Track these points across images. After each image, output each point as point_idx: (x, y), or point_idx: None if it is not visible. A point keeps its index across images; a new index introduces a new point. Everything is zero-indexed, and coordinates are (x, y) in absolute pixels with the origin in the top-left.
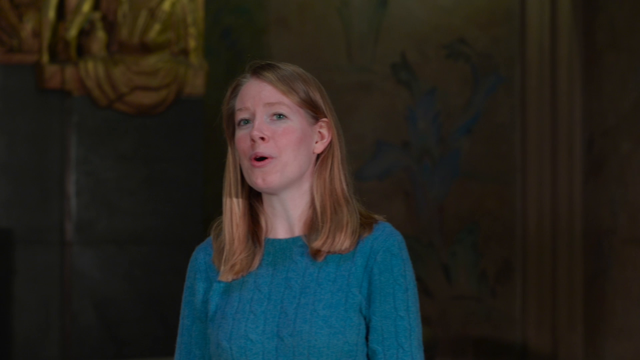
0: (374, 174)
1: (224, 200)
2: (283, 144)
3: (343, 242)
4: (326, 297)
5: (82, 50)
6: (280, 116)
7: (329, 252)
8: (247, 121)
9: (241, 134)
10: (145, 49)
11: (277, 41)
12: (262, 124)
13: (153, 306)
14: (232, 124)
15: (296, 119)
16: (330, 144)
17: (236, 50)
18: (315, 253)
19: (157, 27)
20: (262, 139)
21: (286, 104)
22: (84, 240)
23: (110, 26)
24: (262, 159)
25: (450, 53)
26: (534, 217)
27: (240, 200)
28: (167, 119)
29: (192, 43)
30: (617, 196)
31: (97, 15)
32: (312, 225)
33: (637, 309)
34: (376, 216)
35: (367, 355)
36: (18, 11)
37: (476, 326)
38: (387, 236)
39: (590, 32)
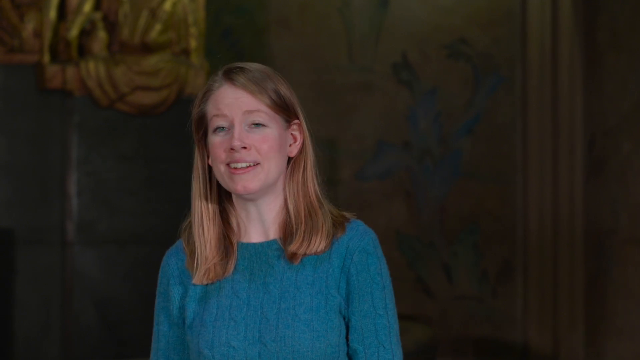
0: (374, 174)
1: (192, 203)
2: (264, 151)
3: (319, 244)
4: (306, 301)
5: (83, 50)
6: (258, 125)
7: (304, 254)
8: (223, 128)
9: (217, 140)
10: (146, 49)
11: (278, 41)
12: (242, 133)
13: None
14: (202, 127)
15: (273, 126)
16: (303, 145)
17: (237, 50)
18: (292, 256)
19: (158, 27)
20: (244, 147)
21: (264, 111)
22: (85, 241)
23: (112, 26)
24: (242, 166)
25: (451, 53)
26: (535, 217)
27: (210, 202)
28: (168, 119)
29: (193, 43)
30: (618, 196)
31: (98, 15)
32: (287, 228)
33: (638, 309)
34: (347, 214)
35: (348, 354)
36: (19, 11)
37: (477, 326)
38: (361, 235)
39: (591, 33)
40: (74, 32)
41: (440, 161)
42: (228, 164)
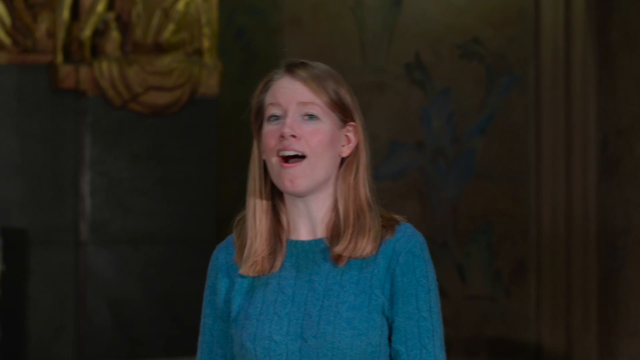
0: (388, 174)
1: (248, 194)
2: (313, 144)
3: (365, 247)
4: (349, 299)
5: (96, 51)
6: (311, 117)
7: (350, 257)
8: (277, 117)
9: (269, 129)
10: (160, 49)
11: (291, 41)
12: (294, 122)
13: (167, 306)
14: (260, 118)
15: (327, 121)
16: (357, 148)
17: (250, 50)
18: (337, 258)
19: (171, 27)
20: (293, 136)
21: (318, 104)
22: (98, 240)
23: (125, 26)
24: (292, 157)
25: (464, 53)
26: (548, 217)
27: (263, 196)
28: (181, 119)
29: (206, 43)
30: (631, 196)
31: (111, 16)
32: (334, 228)
33: None
34: (397, 217)
35: (390, 356)
36: (32, 11)
37: (490, 326)
38: (409, 238)
39: (605, 32)
40: (87, 32)
41: (453, 161)
42: (278, 154)
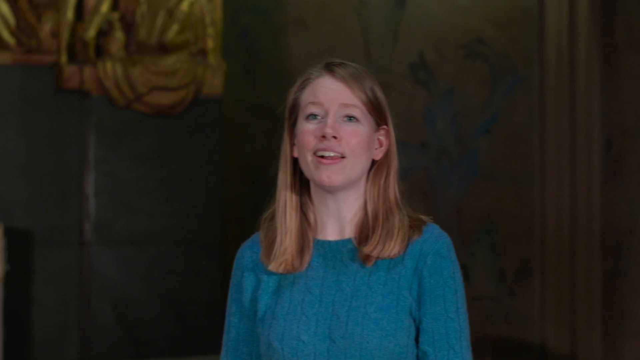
0: None
1: (278, 191)
2: (352, 146)
3: (393, 248)
4: (377, 300)
5: (100, 51)
6: (351, 118)
7: (378, 257)
8: (316, 116)
9: (308, 127)
10: (164, 49)
11: (296, 41)
12: (335, 123)
13: (171, 306)
14: (294, 115)
15: (365, 124)
16: (388, 151)
17: (254, 50)
18: (365, 258)
19: (175, 27)
20: (335, 137)
21: (359, 107)
22: (103, 241)
23: (129, 26)
24: (330, 157)
25: (468, 53)
26: (553, 217)
27: (293, 193)
28: (185, 119)
29: (210, 43)
30: (635, 196)
31: (115, 16)
32: (362, 229)
33: None
34: (424, 217)
35: (417, 356)
36: (37, 12)
37: (495, 326)
38: (436, 239)
39: (609, 32)
40: (91, 33)
41: (457, 161)
42: (315, 153)
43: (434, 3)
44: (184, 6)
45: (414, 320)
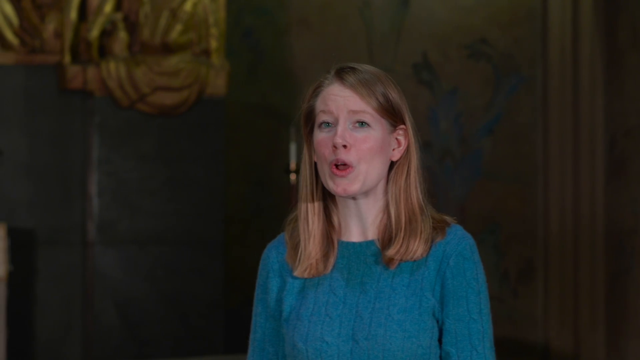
0: None
1: (299, 196)
2: (363, 152)
3: (416, 250)
4: (401, 302)
5: (104, 51)
6: (362, 124)
7: (401, 260)
8: (328, 124)
9: (322, 137)
10: (167, 49)
11: (299, 41)
12: (345, 131)
13: (174, 306)
14: (310, 122)
15: (378, 128)
16: (407, 151)
17: (258, 50)
18: (389, 261)
19: (178, 27)
20: (344, 146)
21: (369, 112)
22: (106, 241)
23: (132, 27)
24: (343, 165)
25: (471, 53)
26: (556, 217)
27: (315, 198)
28: (189, 119)
29: (213, 43)
30: (639, 196)
31: (118, 16)
32: (385, 230)
33: None
34: (448, 218)
35: (440, 357)
36: (40, 12)
37: (498, 326)
38: (459, 240)
39: (612, 32)
40: (94, 33)
41: (461, 161)
42: (330, 164)
43: (438, 3)
44: (188, 6)
45: (437, 322)
